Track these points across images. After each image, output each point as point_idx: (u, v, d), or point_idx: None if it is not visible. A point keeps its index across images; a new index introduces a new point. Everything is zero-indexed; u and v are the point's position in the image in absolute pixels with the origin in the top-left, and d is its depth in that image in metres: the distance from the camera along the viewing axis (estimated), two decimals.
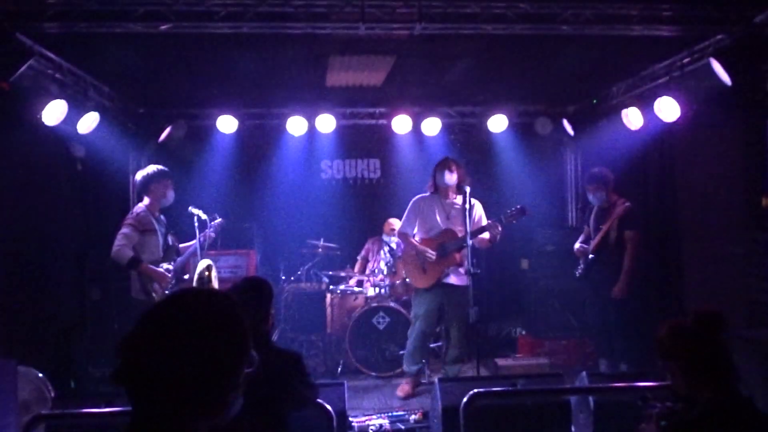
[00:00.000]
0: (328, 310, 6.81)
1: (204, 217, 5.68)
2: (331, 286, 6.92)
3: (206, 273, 5.41)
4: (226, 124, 6.95)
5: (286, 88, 6.69)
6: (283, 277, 7.12)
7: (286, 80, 6.46)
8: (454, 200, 5.62)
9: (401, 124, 7.09)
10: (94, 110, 5.55)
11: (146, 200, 5.27)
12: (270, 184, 7.76)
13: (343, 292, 6.79)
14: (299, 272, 7.13)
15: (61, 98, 4.98)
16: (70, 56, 5.16)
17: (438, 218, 5.60)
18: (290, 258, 7.30)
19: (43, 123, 4.94)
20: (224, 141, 7.25)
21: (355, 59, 5.82)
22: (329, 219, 7.37)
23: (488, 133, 7.31)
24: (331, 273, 7.07)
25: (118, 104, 6.35)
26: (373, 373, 6.09)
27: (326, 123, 7.04)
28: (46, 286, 5.47)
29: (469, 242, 5.19)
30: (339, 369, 6.39)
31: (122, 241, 5.00)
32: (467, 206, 5.28)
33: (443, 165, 5.60)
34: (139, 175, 5.40)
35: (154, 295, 5.10)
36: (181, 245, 5.55)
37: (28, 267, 5.33)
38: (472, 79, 6.40)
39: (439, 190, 5.64)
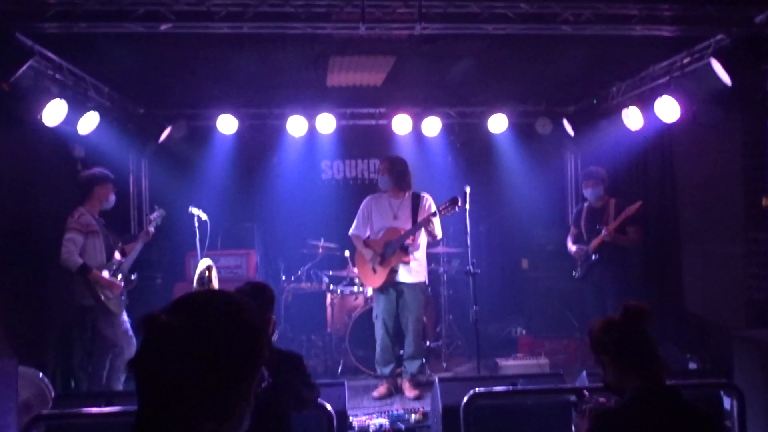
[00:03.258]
0: (328, 310, 6.81)
1: (204, 217, 5.67)
2: (331, 286, 6.92)
3: (206, 273, 5.39)
4: (226, 124, 6.95)
5: (286, 88, 6.69)
6: (283, 277, 7.12)
7: (286, 80, 6.45)
8: (403, 198, 5.69)
9: (401, 124, 7.09)
10: (94, 110, 5.55)
11: (87, 201, 5.25)
12: (270, 184, 7.75)
13: (343, 292, 6.79)
14: (299, 272, 7.13)
15: (61, 98, 4.97)
16: (70, 56, 5.15)
17: (386, 218, 5.68)
18: (290, 258, 7.30)
19: (43, 123, 4.93)
20: (224, 141, 7.24)
21: (355, 59, 5.82)
22: (329, 219, 7.37)
23: (488, 133, 7.31)
24: (331, 273, 7.06)
25: (118, 104, 6.34)
26: (373, 373, 6.07)
27: (326, 123, 7.04)
28: (46, 286, 5.47)
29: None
30: (339, 369, 6.39)
31: (70, 247, 4.98)
32: (421, 208, 5.49)
33: (378, 172, 5.80)
34: (84, 176, 5.38)
35: (104, 301, 5.08)
36: (125, 245, 5.53)
37: (29, 267, 5.32)
38: (472, 79, 6.40)
39: (387, 191, 5.74)
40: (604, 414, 2.31)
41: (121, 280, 5.26)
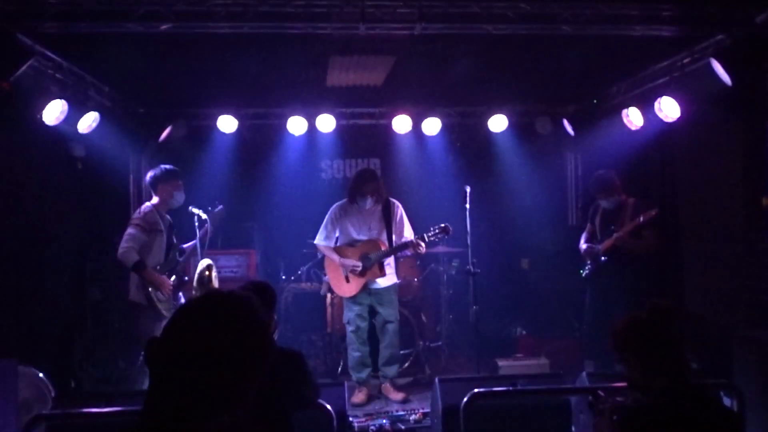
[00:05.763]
0: (328, 310, 6.80)
1: (204, 216, 5.67)
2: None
3: (206, 273, 5.39)
4: (226, 124, 6.95)
5: (286, 88, 6.69)
6: (283, 277, 7.12)
7: (286, 80, 6.46)
8: (375, 208, 5.55)
9: (401, 124, 7.09)
10: (94, 110, 5.55)
11: (155, 199, 5.19)
12: (270, 184, 7.75)
13: None
14: (299, 272, 7.13)
15: (61, 98, 4.98)
16: (70, 56, 5.16)
17: (361, 229, 5.55)
18: (290, 258, 7.29)
19: (43, 123, 4.94)
20: (224, 141, 7.24)
21: (355, 59, 5.82)
22: None
23: (488, 133, 7.31)
24: None
25: (118, 104, 6.35)
26: (373, 373, 6.07)
27: (326, 123, 7.04)
28: (46, 286, 5.47)
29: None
30: (339, 369, 6.39)
31: (129, 243, 4.90)
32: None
33: (361, 189, 5.43)
34: (149, 175, 5.31)
35: (156, 301, 4.99)
36: (184, 245, 5.50)
37: (28, 267, 5.33)
38: (472, 79, 6.40)
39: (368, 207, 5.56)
40: (631, 412, 2.31)
41: (174, 280, 5.16)
